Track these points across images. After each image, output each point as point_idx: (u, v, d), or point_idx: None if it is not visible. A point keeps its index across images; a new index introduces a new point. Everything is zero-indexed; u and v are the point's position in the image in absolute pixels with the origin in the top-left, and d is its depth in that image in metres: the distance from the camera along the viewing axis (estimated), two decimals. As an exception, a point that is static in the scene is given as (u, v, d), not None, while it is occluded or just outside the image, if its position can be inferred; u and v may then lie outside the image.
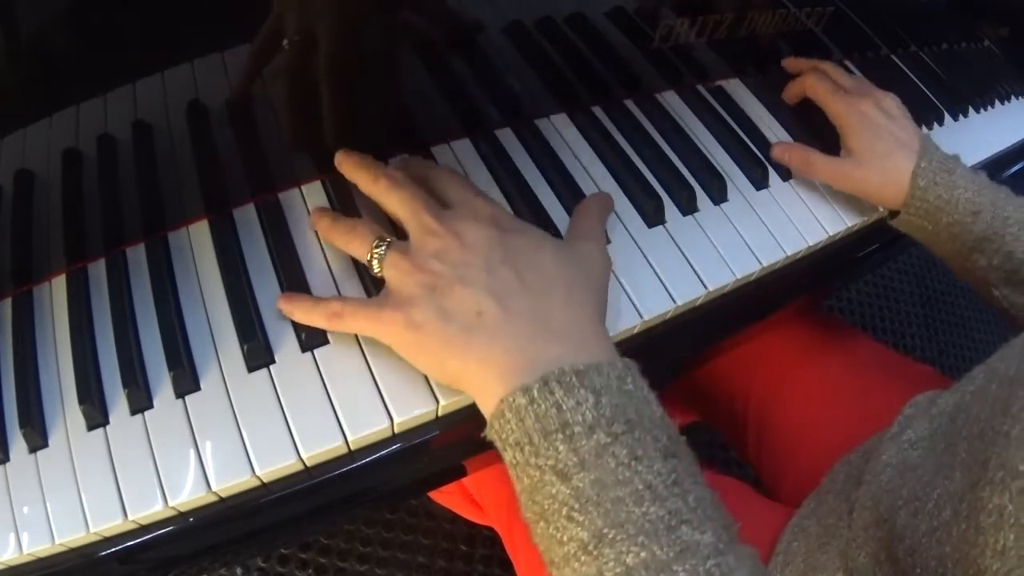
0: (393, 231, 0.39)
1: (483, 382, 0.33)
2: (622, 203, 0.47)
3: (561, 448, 0.29)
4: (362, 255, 0.37)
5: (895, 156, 0.49)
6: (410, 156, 0.44)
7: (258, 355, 0.37)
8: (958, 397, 0.40)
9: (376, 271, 0.37)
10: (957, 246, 0.49)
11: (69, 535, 0.33)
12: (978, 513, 0.31)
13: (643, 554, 0.28)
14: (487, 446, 0.33)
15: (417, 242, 0.36)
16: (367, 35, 0.38)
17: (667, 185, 0.49)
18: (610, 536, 0.28)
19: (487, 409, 0.32)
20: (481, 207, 0.38)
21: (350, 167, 0.40)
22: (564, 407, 0.30)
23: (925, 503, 0.35)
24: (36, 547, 0.33)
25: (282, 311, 0.38)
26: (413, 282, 0.35)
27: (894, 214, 0.52)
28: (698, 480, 0.31)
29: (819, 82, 0.55)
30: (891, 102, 0.53)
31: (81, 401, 0.36)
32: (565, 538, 0.29)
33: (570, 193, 0.46)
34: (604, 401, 0.30)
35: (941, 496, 0.35)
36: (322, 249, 0.42)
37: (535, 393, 0.30)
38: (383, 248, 0.36)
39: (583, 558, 0.29)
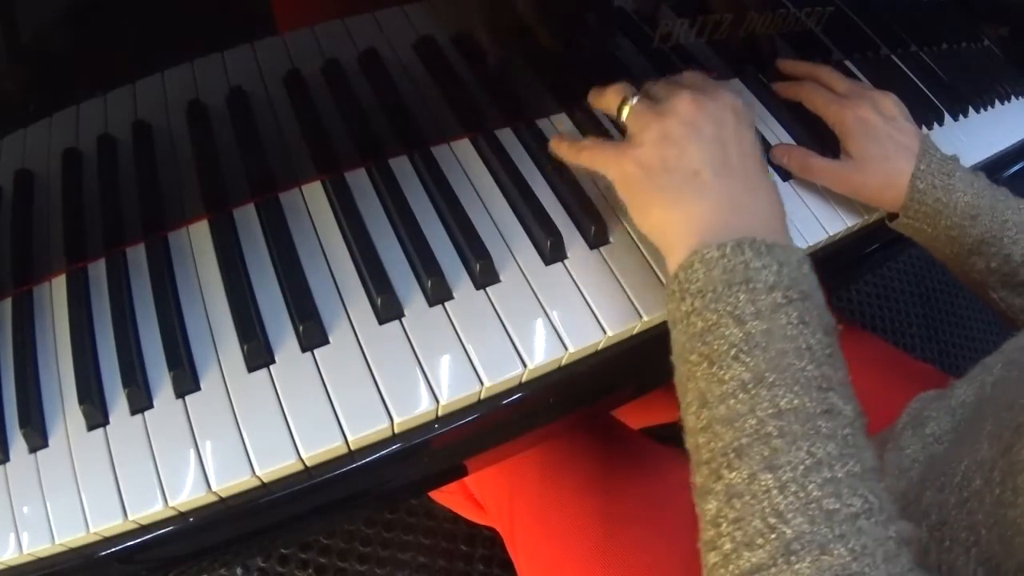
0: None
1: (680, 233, 0.37)
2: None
3: (742, 297, 0.33)
4: (614, 103, 0.43)
5: (894, 159, 0.49)
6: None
7: (258, 355, 0.37)
8: (977, 387, 0.41)
9: (623, 116, 0.42)
10: (956, 248, 0.49)
11: (69, 535, 0.33)
12: (1015, 475, 0.31)
13: (796, 401, 0.31)
14: (489, 444, 0.33)
15: (666, 101, 0.40)
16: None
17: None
18: (770, 379, 0.31)
19: (675, 259, 0.36)
20: (731, 97, 0.41)
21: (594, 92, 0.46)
22: (751, 266, 0.33)
23: (952, 477, 0.36)
24: (36, 547, 0.33)
25: (551, 146, 0.45)
26: (652, 129, 0.39)
27: (892, 217, 0.52)
28: (847, 366, 0.34)
29: (815, 92, 0.54)
30: (889, 103, 0.53)
31: (81, 401, 0.36)
32: (727, 376, 0.32)
33: (570, 193, 0.46)
34: (785, 271, 0.34)
35: (968, 468, 0.35)
36: (323, 249, 0.42)
37: (728, 249, 0.34)
38: (634, 100, 0.42)
39: (740, 395, 0.31)
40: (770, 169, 0.52)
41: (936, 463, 0.39)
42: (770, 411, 0.31)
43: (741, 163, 0.39)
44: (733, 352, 0.32)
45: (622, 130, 0.43)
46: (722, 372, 0.32)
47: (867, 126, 0.51)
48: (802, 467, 0.29)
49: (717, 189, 0.37)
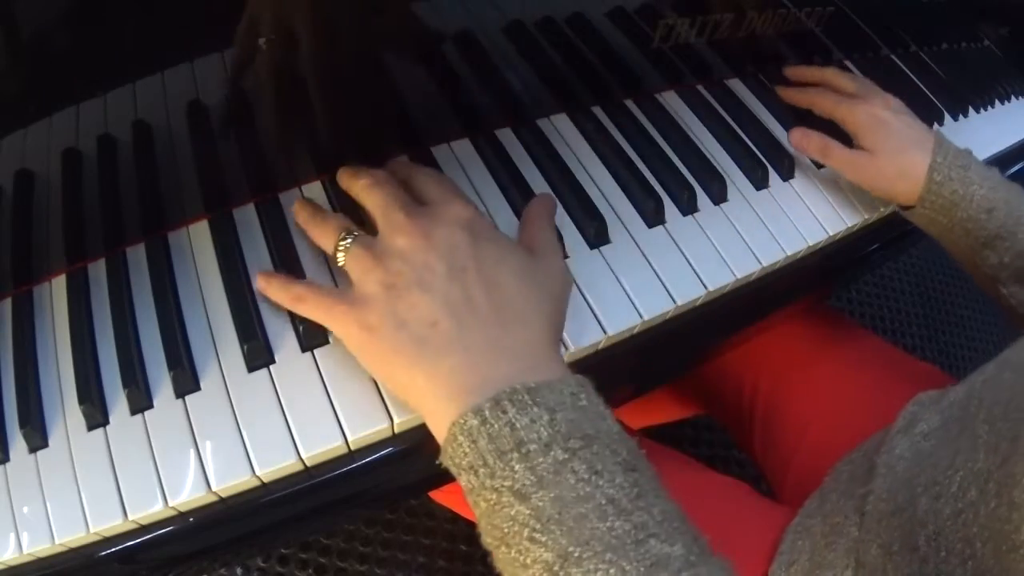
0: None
1: (431, 400, 0.32)
2: (622, 203, 0.47)
3: (517, 468, 0.28)
4: (328, 246, 0.37)
5: (909, 152, 0.50)
6: (406, 159, 0.44)
7: (258, 355, 0.37)
8: (968, 387, 0.41)
9: (340, 263, 0.36)
10: (970, 241, 0.49)
11: (69, 535, 0.33)
12: (1011, 489, 0.31)
13: (612, 571, 0.26)
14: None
15: (384, 238, 0.36)
16: (349, 33, 0.38)
17: (667, 185, 0.49)
18: (576, 555, 0.27)
19: (438, 433, 0.32)
20: (457, 209, 0.36)
21: (344, 174, 0.41)
22: (518, 425, 0.29)
23: (948, 487, 0.36)
24: (36, 547, 0.33)
25: (258, 286, 0.38)
26: (372, 279, 0.34)
27: (905, 208, 0.52)
28: (661, 494, 0.30)
29: (823, 96, 0.55)
30: (897, 102, 0.54)
31: (81, 401, 0.36)
32: (529, 561, 0.28)
33: (571, 193, 0.46)
34: (559, 417, 0.29)
35: (964, 478, 0.35)
36: (322, 249, 0.42)
37: (487, 413, 0.29)
38: (348, 240, 0.36)
39: None
40: (770, 169, 0.52)
41: (924, 462, 0.39)
42: None
43: (486, 295, 0.33)
44: (526, 533, 0.28)
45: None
46: (522, 556, 0.28)
47: (880, 121, 0.51)
48: None
49: (462, 338, 0.32)
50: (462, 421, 0.30)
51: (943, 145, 0.50)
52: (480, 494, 0.29)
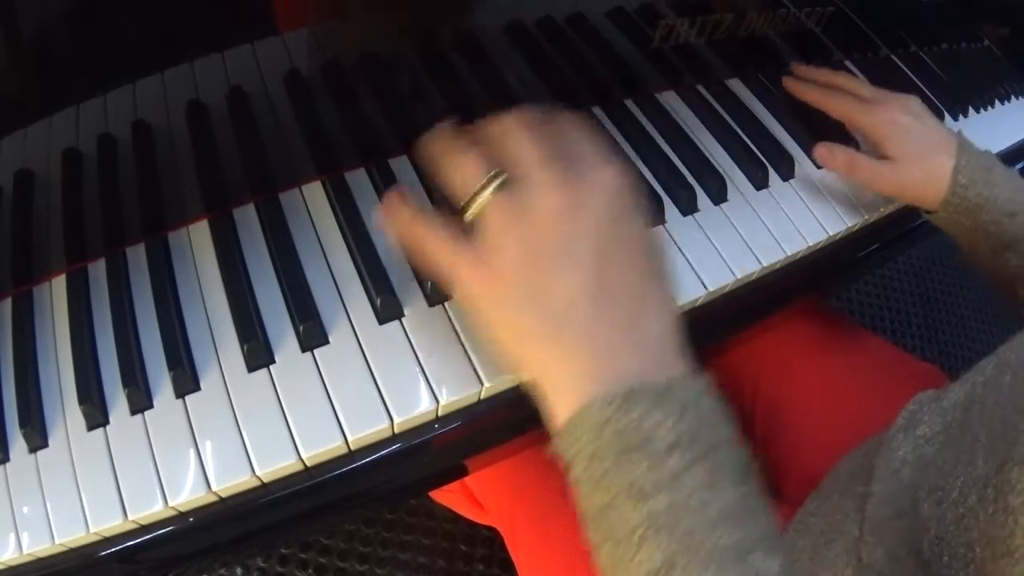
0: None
1: (557, 379, 0.31)
2: (622, 203, 0.47)
3: (639, 467, 0.28)
4: (469, 184, 0.32)
5: (933, 156, 0.49)
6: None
7: (258, 355, 0.37)
8: (968, 388, 0.41)
9: (473, 209, 0.32)
10: (992, 243, 0.49)
11: (69, 535, 0.33)
12: (1006, 494, 0.31)
13: None
14: (489, 444, 0.32)
15: (533, 190, 0.31)
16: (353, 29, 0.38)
17: (667, 185, 0.49)
18: (681, 564, 0.27)
19: (559, 415, 0.30)
20: (610, 176, 0.33)
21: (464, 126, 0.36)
22: (645, 424, 0.28)
23: (949, 492, 0.35)
24: (36, 547, 0.33)
25: (381, 216, 0.35)
26: (514, 236, 0.31)
27: (928, 211, 0.52)
28: (765, 507, 0.30)
29: (840, 100, 0.54)
30: (916, 104, 0.53)
31: (81, 401, 0.36)
32: (634, 561, 0.28)
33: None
34: (686, 420, 0.29)
35: (965, 483, 0.34)
36: (323, 249, 0.42)
37: (617, 406, 0.28)
38: (498, 181, 0.31)
39: None
40: (770, 169, 0.52)
41: (927, 467, 0.39)
42: None
43: (625, 282, 0.31)
44: (637, 535, 0.28)
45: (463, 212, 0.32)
46: (627, 557, 0.28)
47: (901, 127, 0.51)
48: None
49: (598, 325, 0.30)
50: (589, 411, 0.29)
51: (966, 147, 0.50)
52: (596, 487, 0.29)
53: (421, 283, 0.40)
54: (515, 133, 0.33)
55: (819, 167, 0.55)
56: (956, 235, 0.52)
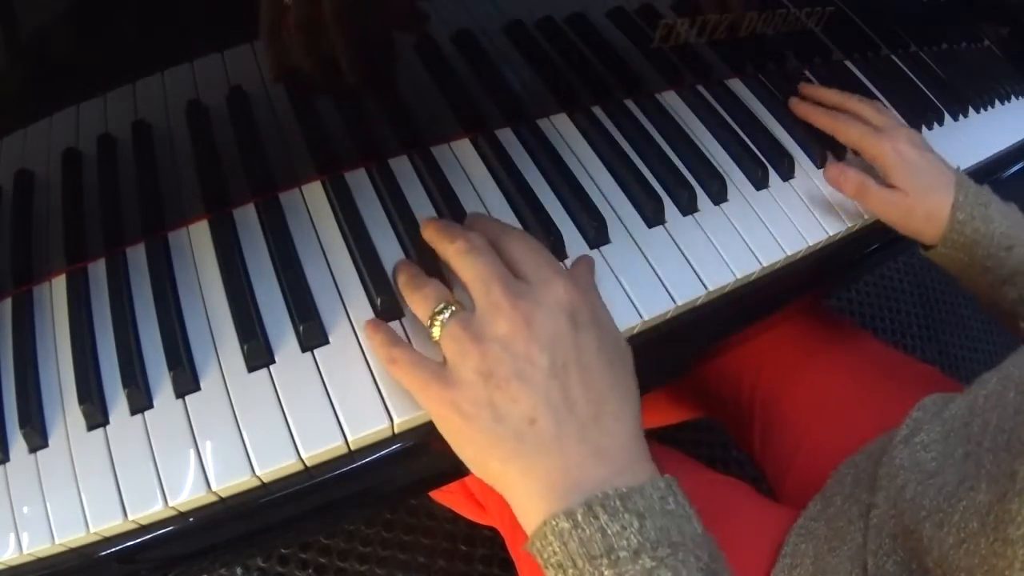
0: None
1: (523, 495, 0.32)
2: (622, 203, 0.47)
3: (607, 573, 0.29)
4: (423, 316, 0.36)
5: (936, 192, 0.50)
6: (483, 215, 0.43)
7: (258, 355, 0.37)
8: (970, 400, 0.40)
9: (435, 335, 0.35)
10: (990, 279, 0.50)
11: (69, 535, 0.33)
12: (1006, 525, 0.31)
13: None
14: None
15: (483, 319, 0.34)
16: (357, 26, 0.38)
17: (667, 185, 0.49)
18: None
19: (526, 524, 0.32)
20: (559, 292, 0.34)
21: (431, 230, 0.39)
22: (608, 532, 0.29)
23: (951, 515, 0.36)
24: (36, 547, 0.33)
25: (364, 331, 0.38)
26: (470, 365, 0.33)
27: (926, 246, 0.52)
28: None
29: (849, 125, 0.54)
30: (920, 138, 0.53)
31: (81, 401, 0.36)
32: None
33: (571, 193, 0.46)
34: (648, 524, 0.30)
35: (967, 508, 0.35)
36: (323, 249, 0.42)
37: (579, 518, 0.30)
38: (446, 315, 0.35)
39: None
40: (770, 169, 0.52)
41: (927, 482, 0.39)
42: None
43: (584, 393, 0.33)
44: None
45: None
46: None
47: (907, 159, 0.51)
48: None
49: (559, 439, 0.32)
50: (554, 523, 0.30)
51: (964, 183, 0.50)
52: None
53: None
54: (466, 256, 0.36)
55: (819, 167, 0.55)
56: (954, 271, 0.52)
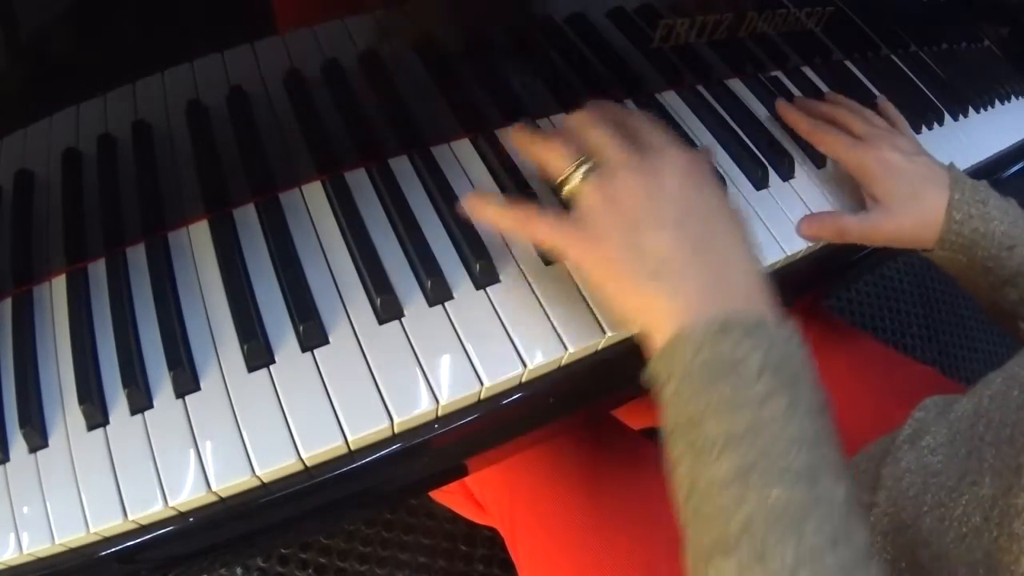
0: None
1: (660, 318, 0.34)
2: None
3: (727, 390, 0.31)
4: (560, 169, 0.38)
5: (925, 194, 0.48)
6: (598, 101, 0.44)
7: (258, 355, 0.37)
8: (976, 401, 0.40)
9: (567, 190, 0.37)
10: (990, 280, 0.48)
11: (69, 535, 0.33)
12: (1012, 520, 0.31)
13: (784, 496, 0.29)
14: (489, 444, 0.32)
15: (616, 174, 0.36)
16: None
17: (667, 185, 0.49)
18: (757, 474, 0.30)
19: (657, 341, 0.34)
20: (680, 155, 0.38)
21: (524, 131, 0.42)
22: (736, 352, 0.31)
23: (952, 509, 0.35)
24: (36, 547, 0.33)
25: (468, 210, 0.40)
26: (609, 214, 0.36)
27: (925, 249, 0.50)
28: (837, 442, 0.32)
29: (830, 137, 0.52)
30: (906, 140, 0.52)
31: (81, 401, 0.36)
32: (713, 471, 0.31)
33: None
34: (773, 353, 0.32)
35: (969, 502, 0.34)
36: (323, 249, 0.42)
37: (712, 334, 0.32)
38: (586, 167, 0.37)
39: (726, 491, 0.30)
40: (770, 169, 0.52)
41: (932, 483, 0.39)
42: (758, 507, 0.29)
43: (709, 236, 0.36)
44: (718, 447, 0.31)
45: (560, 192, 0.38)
46: (707, 466, 0.31)
47: (890, 166, 0.49)
48: (792, 559, 0.28)
49: (694, 267, 0.35)
50: (687, 334, 0.32)
51: (959, 181, 0.48)
52: (685, 404, 0.32)
53: (421, 282, 0.40)
54: (592, 125, 0.39)
55: (819, 168, 0.55)
56: (954, 273, 0.51)
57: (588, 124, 0.39)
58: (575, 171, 0.37)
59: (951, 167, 0.50)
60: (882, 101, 0.58)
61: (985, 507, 0.33)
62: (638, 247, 0.35)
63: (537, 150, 0.40)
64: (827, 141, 0.53)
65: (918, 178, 0.48)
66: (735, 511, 0.30)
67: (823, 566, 0.28)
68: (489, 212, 0.39)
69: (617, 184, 0.36)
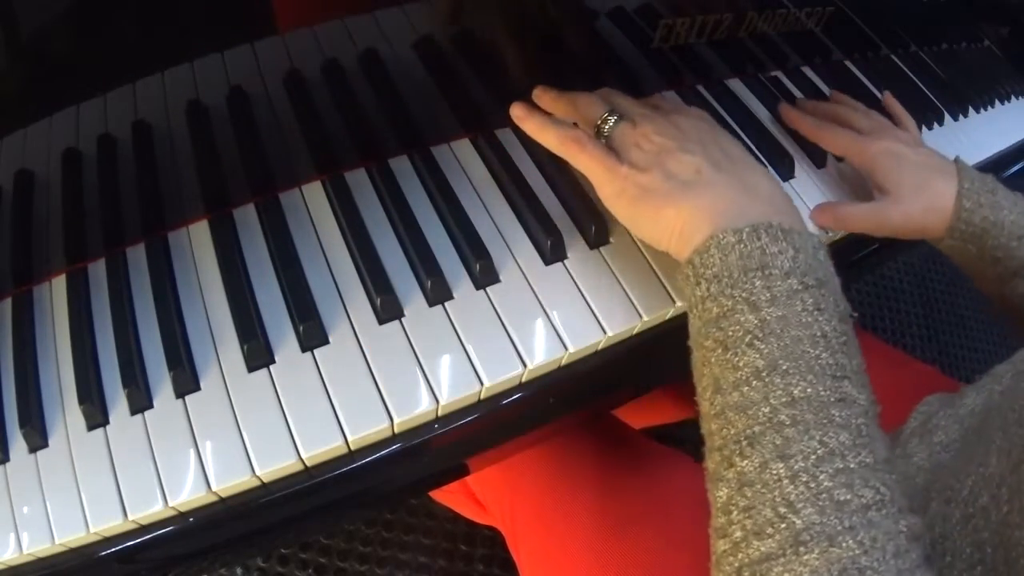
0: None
1: (693, 224, 0.36)
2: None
3: (757, 283, 0.33)
4: (594, 117, 0.42)
5: (932, 183, 0.48)
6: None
7: (258, 355, 0.37)
8: (986, 396, 0.40)
9: (607, 129, 0.41)
10: (999, 270, 0.48)
11: (69, 535, 0.33)
12: (1022, 496, 0.31)
13: (809, 390, 0.31)
14: (489, 444, 0.32)
15: (646, 118, 0.41)
16: None
17: (667, 185, 0.49)
18: (783, 367, 0.31)
19: (691, 245, 0.36)
20: (692, 111, 0.43)
21: (551, 95, 0.45)
22: (767, 251, 0.34)
23: (959, 491, 0.35)
24: (36, 547, 0.33)
25: (513, 115, 0.43)
26: (641, 151, 0.39)
27: (934, 239, 0.50)
28: (861, 353, 0.34)
29: (834, 134, 0.52)
30: (910, 133, 0.52)
31: (81, 401, 0.36)
32: (741, 363, 0.32)
33: (571, 193, 0.46)
34: (801, 258, 0.34)
35: (976, 483, 0.34)
36: (323, 249, 0.42)
37: (744, 235, 0.34)
38: (612, 119, 0.41)
39: (754, 383, 0.31)
40: (770, 169, 0.52)
41: (942, 473, 0.39)
42: (783, 399, 0.31)
43: (733, 161, 0.39)
44: (748, 339, 0.32)
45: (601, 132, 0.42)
46: (736, 359, 0.32)
47: (897, 157, 0.49)
48: (814, 456, 0.29)
49: (723, 178, 0.38)
50: (720, 236, 0.34)
51: (966, 170, 0.48)
52: (715, 300, 0.34)
53: (421, 282, 0.40)
54: (614, 94, 0.44)
55: (819, 167, 0.55)
56: (962, 264, 0.50)
57: (605, 94, 0.44)
58: (609, 117, 0.41)
59: (957, 159, 0.50)
60: (887, 97, 0.58)
61: (992, 486, 0.33)
62: (671, 171, 0.38)
63: (567, 100, 0.43)
64: (832, 138, 0.53)
65: (925, 168, 0.49)
66: (760, 405, 0.31)
67: (844, 466, 0.29)
68: (535, 123, 0.42)
69: (646, 125, 0.40)
